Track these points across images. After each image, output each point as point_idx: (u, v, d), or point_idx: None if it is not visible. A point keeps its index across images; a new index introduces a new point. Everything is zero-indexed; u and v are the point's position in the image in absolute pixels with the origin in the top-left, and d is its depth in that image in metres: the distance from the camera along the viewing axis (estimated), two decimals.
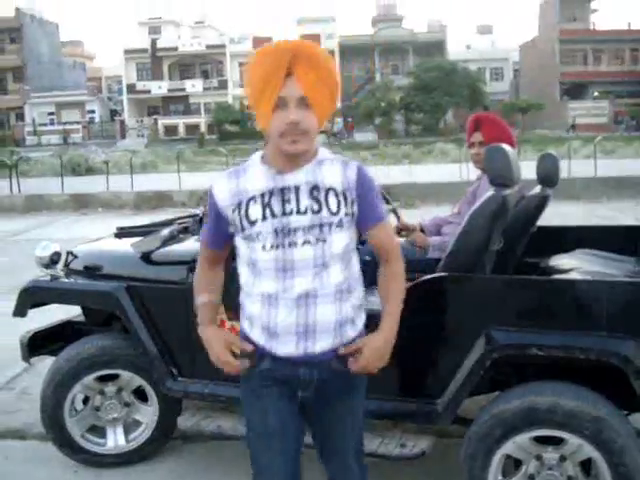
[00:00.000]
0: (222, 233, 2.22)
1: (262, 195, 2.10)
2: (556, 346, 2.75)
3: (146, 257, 3.57)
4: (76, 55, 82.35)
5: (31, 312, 3.81)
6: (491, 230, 3.11)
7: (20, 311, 3.75)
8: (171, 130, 63.38)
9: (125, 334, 3.64)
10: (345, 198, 2.12)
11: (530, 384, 2.82)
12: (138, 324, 3.47)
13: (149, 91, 68.26)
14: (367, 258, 3.12)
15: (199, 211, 3.92)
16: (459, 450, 2.89)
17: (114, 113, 70.95)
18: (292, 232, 2.08)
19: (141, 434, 3.68)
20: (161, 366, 3.46)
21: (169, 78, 69.17)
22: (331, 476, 2.42)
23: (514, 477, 2.80)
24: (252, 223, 2.10)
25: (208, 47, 66.85)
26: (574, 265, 3.52)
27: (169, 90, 67.83)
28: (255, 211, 2.10)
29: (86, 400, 3.70)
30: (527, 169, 4.18)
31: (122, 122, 65.88)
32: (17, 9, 68.19)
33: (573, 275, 3.34)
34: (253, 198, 2.11)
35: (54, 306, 3.91)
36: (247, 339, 2.21)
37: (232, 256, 2.29)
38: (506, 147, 3.18)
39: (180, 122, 64.65)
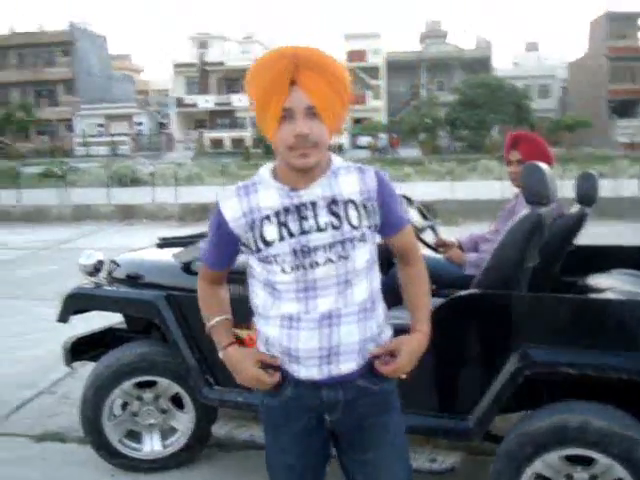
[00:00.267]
0: (226, 253, 2.08)
1: (277, 214, 1.95)
2: (588, 365, 2.74)
3: (186, 267, 3.65)
4: (125, 68, 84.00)
5: (75, 319, 3.92)
6: (526, 248, 3.12)
7: (63, 317, 3.86)
8: (217, 143, 64.10)
9: (164, 342, 3.72)
10: (365, 209, 1.98)
11: (560, 403, 2.81)
12: (176, 333, 3.55)
13: (196, 105, 69.19)
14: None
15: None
16: (489, 467, 2.89)
17: (161, 126, 72.05)
18: (312, 251, 1.93)
19: (177, 440, 3.75)
20: (198, 374, 3.52)
21: (216, 92, 70.05)
22: None
23: None
24: (268, 244, 1.95)
25: None
26: (610, 285, 3.50)
27: (216, 104, 68.65)
28: (271, 231, 1.95)
29: (125, 405, 3.78)
30: (570, 188, 4.15)
31: (169, 135, 66.90)
32: (70, 23, 69.87)
33: (608, 294, 3.32)
34: (267, 217, 1.95)
35: (97, 313, 4.02)
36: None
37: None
38: (542, 165, 3.18)
39: (226, 136, 65.35)
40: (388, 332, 2.14)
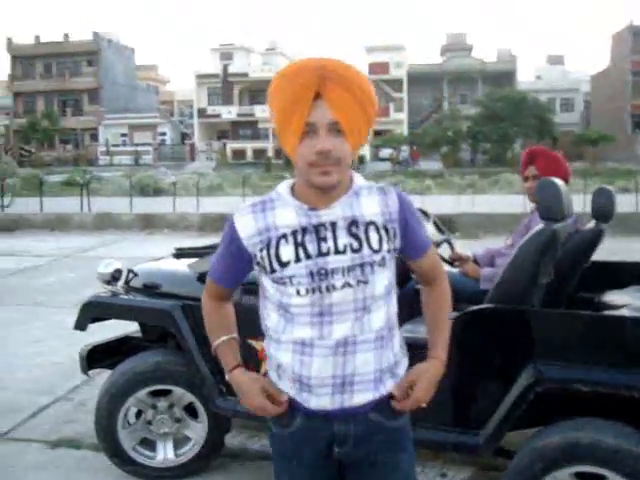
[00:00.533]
0: (237, 270, 2.00)
1: (294, 233, 1.85)
2: (601, 382, 2.73)
3: (202, 277, 3.68)
4: (150, 79, 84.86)
5: (94, 327, 3.98)
6: (539, 263, 3.12)
7: (81, 325, 3.91)
8: (239, 154, 64.48)
9: (179, 351, 3.75)
10: (387, 232, 1.89)
11: (572, 419, 2.80)
12: (191, 342, 3.58)
13: (219, 115, 69.71)
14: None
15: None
16: None
17: (185, 136, 72.62)
18: (330, 274, 1.84)
19: (190, 450, 3.78)
20: (212, 384, 3.55)
21: (239, 103, 70.51)
22: None
23: None
24: (284, 265, 1.85)
25: None
26: (626, 301, 3.49)
27: (238, 115, 69.12)
28: (287, 251, 1.85)
29: (139, 414, 3.81)
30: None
31: (192, 145, 67.43)
32: (95, 33, 70.73)
33: (624, 311, 3.30)
34: (284, 236, 1.86)
35: (116, 322, 4.07)
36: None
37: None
38: (557, 181, 3.19)
39: (248, 146, 65.76)
40: (404, 363, 2.04)
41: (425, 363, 2.02)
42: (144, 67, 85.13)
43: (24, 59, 72.39)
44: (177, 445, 3.81)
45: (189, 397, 3.72)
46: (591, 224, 3.85)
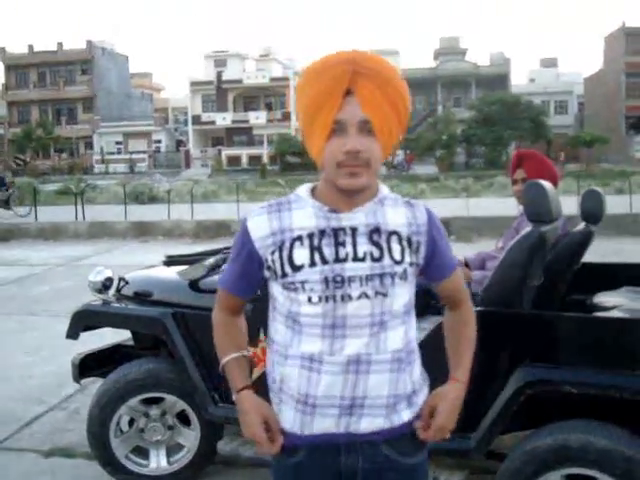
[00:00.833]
0: (251, 278, 1.84)
1: (310, 236, 1.72)
2: (590, 384, 2.74)
3: (192, 285, 3.68)
4: (144, 86, 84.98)
5: (89, 335, 3.99)
6: (528, 266, 3.12)
7: (72, 333, 3.90)
8: (234, 161, 64.53)
9: (171, 359, 3.75)
10: (410, 244, 1.76)
11: (563, 422, 2.80)
12: (183, 349, 3.57)
13: (214, 122, 69.79)
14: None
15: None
16: None
17: (179, 143, 72.71)
18: (346, 282, 1.70)
19: (183, 457, 3.77)
20: (204, 391, 3.54)
21: (233, 110, 70.61)
22: None
23: None
24: (297, 269, 1.71)
25: (272, 80, 68.09)
26: (618, 302, 3.49)
27: (233, 121, 69.22)
28: (301, 255, 1.71)
29: (131, 422, 3.81)
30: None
31: (187, 152, 67.50)
32: (88, 42, 70.81)
33: (615, 313, 3.31)
34: (299, 238, 1.72)
35: (111, 330, 4.07)
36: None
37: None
38: (544, 183, 3.19)
39: (243, 153, 65.82)
40: (424, 392, 1.89)
41: (446, 386, 1.90)
42: (138, 75, 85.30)
43: (18, 68, 72.53)
44: (170, 453, 3.80)
45: (181, 404, 3.71)
46: (581, 226, 3.85)
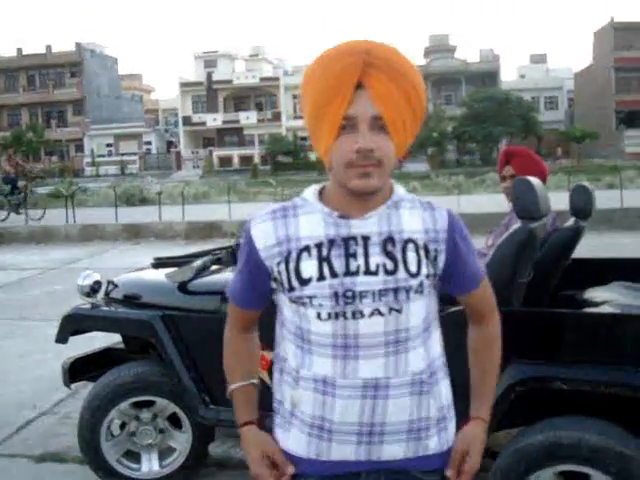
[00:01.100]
0: (260, 288, 1.69)
1: (319, 246, 1.58)
2: (581, 380, 2.73)
3: (180, 287, 3.66)
4: (134, 88, 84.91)
5: (81, 339, 3.97)
6: (517, 262, 3.12)
7: (62, 338, 3.88)
8: (225, 161, 64.51)
9: (161, 362, 3.73)
10: (427, 253, 1.61)
11: (555, 418, 2.79)
12: (172, 352, 3.55)
13: (204, 123, 69.74)
14: None
15: (232, 243, 4.02)
16: None
17: (170, 144, 72.61)
18: (357, 298, 1.56)
19: (175, 460, 3.75)
20: (194, 394, 3.52)
21: (224, 110, 70.57)
22: None
23: None
24: (304, 282, 1.58)
25: (262, 80, 68.07)
26: (608, 298, 3.49)
27: (224, 122, 69.19)
28: (309, 267, 1.58)
29: (123, 426, 3.78)
30: None
31: (178, 153, 67.42)
32: (77, 44, 70.64)
33: (605, 308, 3.31)
34: (307, 249, 1.59)
35: (103, 334, 4.04)
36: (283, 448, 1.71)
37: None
38: (533, 179, 3.19)
39: (234, 153, 65.79)
40: (452, 424, 1.74)
41: (472, 428, 1.77)
42: (128, 76, 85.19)
43: (7, 72, 72.29)
44: (162, 456, 3.77)
45: (172, 407, 3.69)
46: (570, 221, 3.85)
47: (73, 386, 4.19)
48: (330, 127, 1.51)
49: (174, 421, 3.74)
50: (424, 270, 1.60)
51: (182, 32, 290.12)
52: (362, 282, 1.56)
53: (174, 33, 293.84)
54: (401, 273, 1.58)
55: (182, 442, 3.72)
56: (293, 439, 1.68)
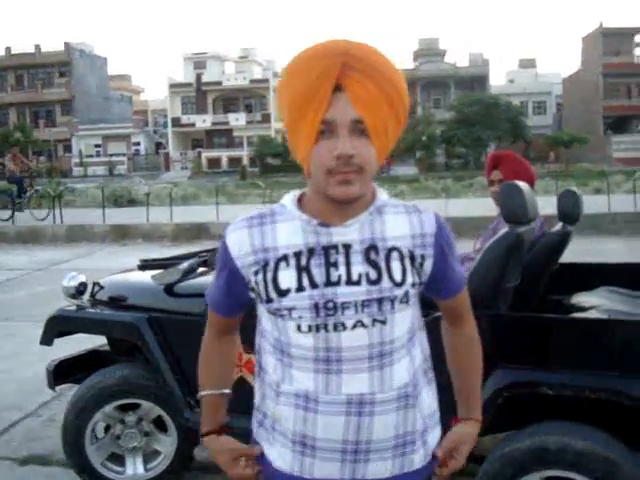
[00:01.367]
0: (237, 296, 1.64)
1: (297, 255, 1.51)
2: (567, 385, 2.73)
3: (167, 289, 3.64)
4: (123, 89, 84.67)
5: (68, 341, 3.93)
6: (505, 267, 3.11)
7: (46, 340, 3.84)
8: (214, 163, 64.42)
9: (146, 364, 3.70)
10: (412, 261, 1.55)
11: (541, 423, 2.79)
12: (158, 354, 3.53)
13: (193, 124, 69.65)
14: None
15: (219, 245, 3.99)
16: None
17: (159, 146, 72.44)
18: (339, 309, 1.50)
19: (160, 464, 3.72)
20: (179, 397, 3.50)
21: (213, 112, 70.51)
22: None
23: None
24: (282, 294, 1.51)
25: (252, 81, 68.09)
26: (595, 303, 3.49)
27: (213, 124, 69.12)
28: (287, 277, 1.51)
29: (107, 428, 3.75)
30: None
31: (166, 154, 67.29)
32: (66, 44, 70.37)
33: (592, 313, 3.31)
34: (284, 258, 1.52)
35: (89, 336, 4.01)
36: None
37: None
38: (521, 184, 3.18)
39: (223, 155, 65.73)
40: (436, 432, 1.71)
41: (466, 427, 1.78)
42: (117, 77, 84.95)
43: None
44: (147, 459, 3.74)
45: (157, 410, 3.66)
46: (558, 226, 3.86)
47: (58, 388, 4.14)
48: (308, 132, 1.44)
49: (159, 424, 3.72)
50: (409, 279, 1.54)
51: (172, 33, 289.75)
52: (344, 293, 1.50)
53: (164, 34, 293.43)
54: (385, 282, 1.51)
55: (167, 445, 3.70)
56: (277, 454, 1.63)
